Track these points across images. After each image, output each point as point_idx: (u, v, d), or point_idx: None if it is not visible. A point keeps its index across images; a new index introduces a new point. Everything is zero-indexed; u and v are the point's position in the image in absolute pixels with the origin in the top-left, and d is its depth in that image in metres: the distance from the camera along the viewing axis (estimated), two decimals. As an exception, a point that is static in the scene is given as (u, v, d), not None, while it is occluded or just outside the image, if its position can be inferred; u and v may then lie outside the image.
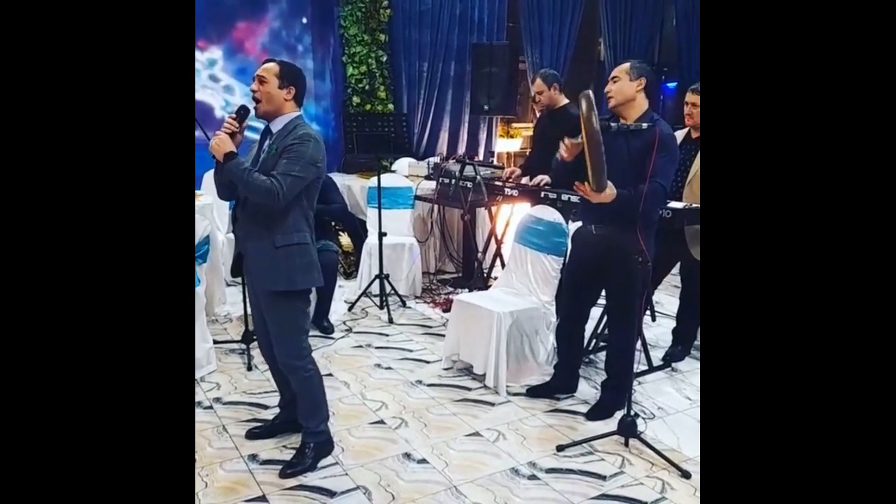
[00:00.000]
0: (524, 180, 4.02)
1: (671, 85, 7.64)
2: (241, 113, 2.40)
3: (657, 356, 3.64)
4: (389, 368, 3.53)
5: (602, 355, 3.39)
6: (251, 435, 2.75)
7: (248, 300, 3.59)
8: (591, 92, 2.41)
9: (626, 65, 2.74)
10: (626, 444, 2.73)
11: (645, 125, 2.56)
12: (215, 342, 3.53)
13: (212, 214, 4.37)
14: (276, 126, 2.40)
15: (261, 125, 2.47)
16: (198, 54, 5.36)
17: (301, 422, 2.57)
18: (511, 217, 4.47)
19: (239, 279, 3.73)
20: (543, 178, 3.91)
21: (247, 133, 2.46)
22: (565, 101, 4.18)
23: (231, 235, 4.66)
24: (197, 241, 3.26)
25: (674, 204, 3.19)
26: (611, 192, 2.52)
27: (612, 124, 2.58)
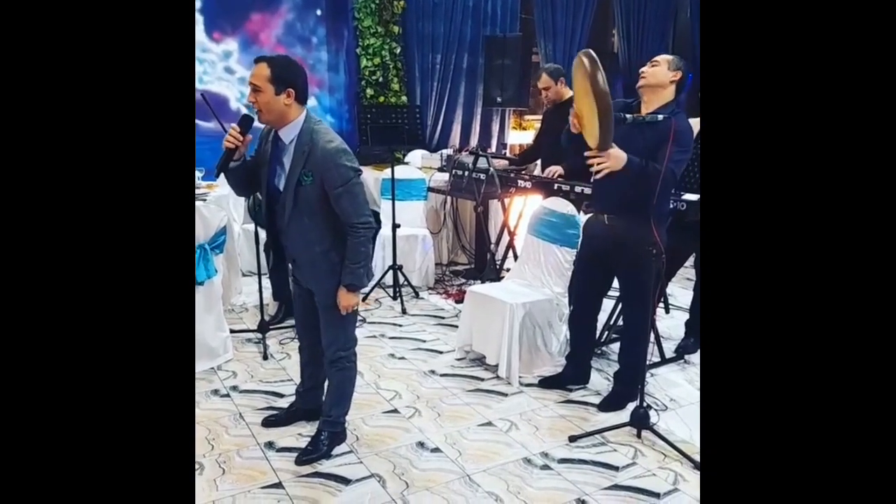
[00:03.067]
0: (536, 171, 4.03)
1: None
2: (245, 124, 2.27)
3: (670, 348, 3.65)
4: (403, 358, 3.56)
5: (615, 347, 3.40)
6: (267, 423, 2.79)
7: (262, 290, 3.65)
8: (591, 50, 2.43)
9: (671, 56, 2.76)
10: (639, 436, 2.75)
11: (661, 116, 2.55)
12: (232, 331, 3.57)
13: (228, 205, 4.42)
14: (287, 135, 2.27)
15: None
16: (213, 46, 5.39)
17: (325, 409, 2.59)
18: (524, 209, 4.48)
19: (254, 270, 3.77)
20: (557, 170, 3.93)
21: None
22: (571, 92, 4.19)
23: (247, 227, 4.72)
24: (214, 231, 3.30)
25: (688, 196, 3.18)
26: (619, 152, 2.50)
27: (627, 116, 2.58)
